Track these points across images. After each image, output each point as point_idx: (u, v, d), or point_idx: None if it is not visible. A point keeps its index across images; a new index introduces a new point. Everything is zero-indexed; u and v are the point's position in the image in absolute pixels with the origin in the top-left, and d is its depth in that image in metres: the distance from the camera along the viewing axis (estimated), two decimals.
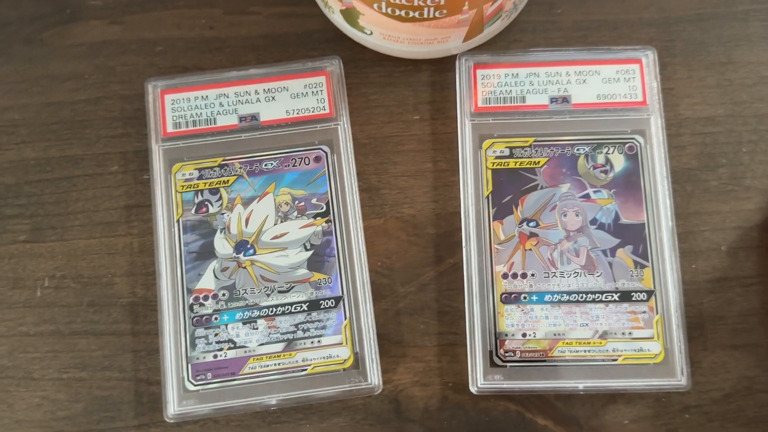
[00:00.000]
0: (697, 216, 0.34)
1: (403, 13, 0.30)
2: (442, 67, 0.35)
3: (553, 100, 0.34)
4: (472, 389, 0.32)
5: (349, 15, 0.33)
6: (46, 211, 0.34)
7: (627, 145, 0.34)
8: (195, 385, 0.32)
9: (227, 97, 0.34)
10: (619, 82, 0.34)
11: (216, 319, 0.32)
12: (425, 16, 0.30)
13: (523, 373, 0.32)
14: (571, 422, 0.32)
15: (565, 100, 0.34)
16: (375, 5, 0.30)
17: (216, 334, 0.32)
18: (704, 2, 0.36)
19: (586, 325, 0.32)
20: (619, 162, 0.33)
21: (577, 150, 0.34)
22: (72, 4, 0.37)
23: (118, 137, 0.35)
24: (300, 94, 0.34)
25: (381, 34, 0.33)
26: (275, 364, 0.32)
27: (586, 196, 0.33)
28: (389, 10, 0.30)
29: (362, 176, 0.34)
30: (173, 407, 0.31)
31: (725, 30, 0.36)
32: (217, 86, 0.34)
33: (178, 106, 0.34)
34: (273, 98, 0.34)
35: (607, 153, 0.34)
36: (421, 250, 0.34)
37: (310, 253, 0.33)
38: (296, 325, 0.32)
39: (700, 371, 0.32)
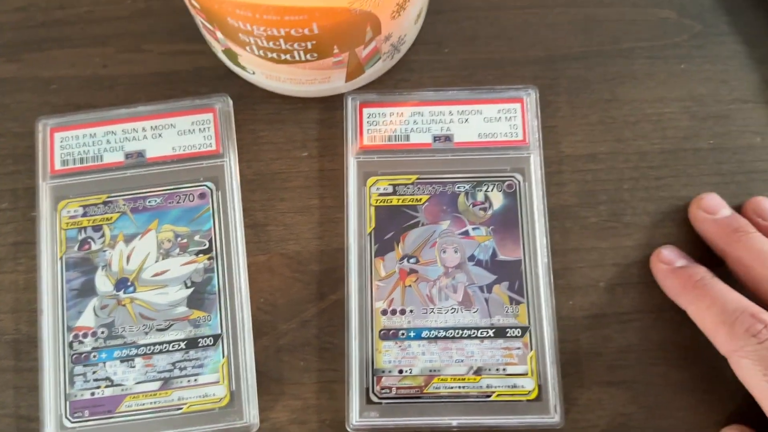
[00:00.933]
0: (575, 252, 0.34)
1: (275, 55, 0.31)
2: (331, 105, 0.36)
3: (436, 138, 0.35)
4: (348, 427, 0.32)
5: (230, 55, 0.33)
6: None
7: (506, 183, 0.34)
8: (72, 422, 0.32)
9: (114, 134, 0.35)
10: (500, 121, 0.35)
11: (95, 356, 0.32)
12: (297, 58, 0.31)
13: (398, 410, 0.32)
14: None
15: (448, 138, 0.35)
16: (247, 48, 0.31)
17: (94, 372, 0.32)
18: (589, 40, 0.37)
19: (462, 361, 0.32)
20: (498, 199, 0.34)
21: (458, 188, 0.34)
22: None
23: (9, 174, 0.35)
24: (187, 131, 0.35)
25: (263, 73, 0.33)
26: (151, 403, 0.32)
27: (465, 233, 0.34)
28: (261, 53, 0.31)
29: (248, 212, 0.35)
30: None
31: (609, 67, 0.36)
32: (105, 123, 0.35)
33: (67, 143, 0.35)
34: (160, 135, 0.35)
35: (486, 191, 0.34)
36: (305, 286, 0.34)
37: (190, 290, 0.33)
38: (173, 364, 0.32)
39: (576, 408, 0.33)
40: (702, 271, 0.31)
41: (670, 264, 0.32)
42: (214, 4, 0.28)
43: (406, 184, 0.34)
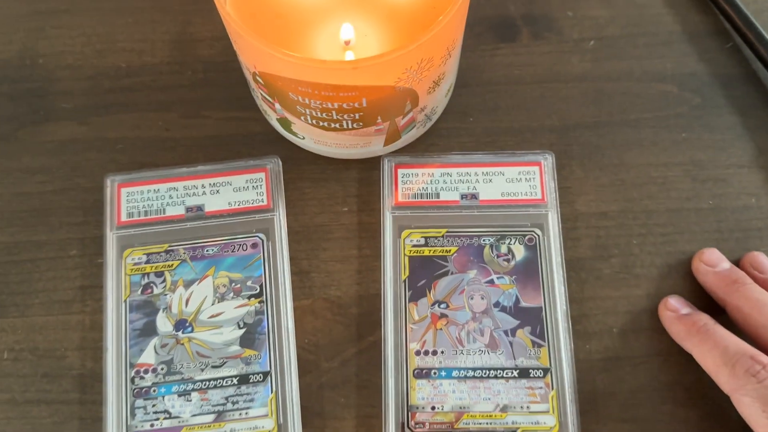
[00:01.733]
0: (591, 301, 0.38)
1: (326, 124, 0.35)
2: (369, 165, 0.40)
3: (463, 196, 0.39)
4: None
5: (284, 123, 0.38)
6: (10, 289, 0.38)
7: (527, 237, 0.38)
8: None
9: (176, 190, 0.39)
10: (521, 181, 0.39)
11: (154, 391, 0.36)
12: (345, 127, 0.35)
13: None
14: None
15: (474, 197, 0.39)
16: (302, 117, 0.35)
17: (154, 405, 0.36)
18: (599, 111, 0.41)
19: (489, 399, 0.35)
20: (519, 252, 0.38)
21: (483, 240, 0.38)
22: (45, 106, 0.42)
23: (79, 225, 0.39)
24: (242, 188, 0.39)
25: (312, 139, 0.38)
26: None
27: (491, 282, 0.37)
28: (314, 122, 0.35)
29: (294, 261, 0.39)
30: None
31: (618, 135, 0.41)
32: (168, 181, 0.39)
33: (132, 198, 0.39)
34: (217, 191, 0.39)
35: (509, 243, 0.38)
36: (345, 328, 0.37)
37: (242, 330, 0.37)
38: (226, 398, 0.36)
39: None
40: (705, 318, 0.35)
41: (676, 311, 0.36)
42: (278, 81, 0.32)
43: (436, 237, 0.38)
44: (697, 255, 0.37)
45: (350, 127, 0.35)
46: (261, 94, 0.36)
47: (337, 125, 0.35)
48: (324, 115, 0.34)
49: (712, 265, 0.37)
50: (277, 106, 0.35)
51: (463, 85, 0.41)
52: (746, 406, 0.31)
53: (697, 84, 0.42)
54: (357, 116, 0.34)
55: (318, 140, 0.38)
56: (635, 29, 0.43)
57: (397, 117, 0.36)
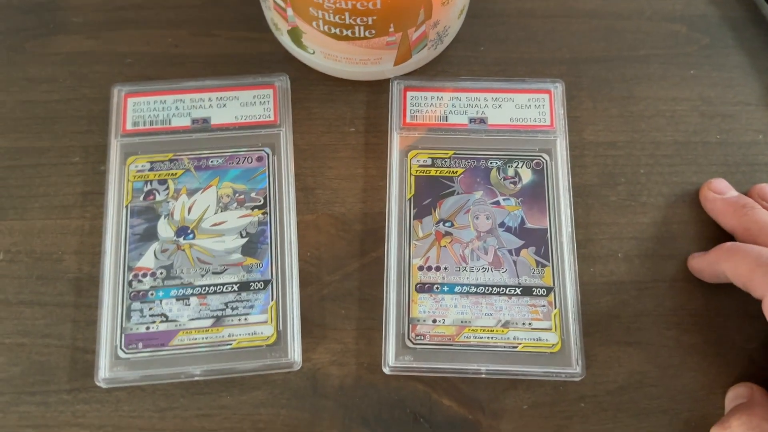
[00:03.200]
0: (596, 226, 0.37)
1: (338, 31, 0.35)
2: (377, 89, 0.40)
3: (471, 120, 0.39)
4: (385, 369, 0.34)
5: (295, 34, 0.37)
6: (9, 193, 0.38)
7: (534, 161, 0.38)
8: (126, 353, 0.34)
9: (183, 102, 0.39)
10: (530, 108, 0.39)
11: (152, 294, 0.35)
12: (357, 35, 0.35)
13: (431, 355, 0.34)
14: (474, 404, 0.34)
15: (482, 121, 0.39)
16: (314, 23, 0.35)
17: (150, 308, 0.35)
18: (609, 46, 0.41)
19: (491, 314, 0.35)
20: (527, 175, 0.37)
21: (491, 163, 0.38)
22: (55, 20, 0.41)
23: (83, 133, 0.39)
24: (249, 103, 0.39)
25: (322, 53, 0.38)
26: (203, 338, 0.34)
27: (497, 203, 0.37)
28: (326, 28, 0.35)
29: (299, 177, 0.38)
30: (104, 372, 0.34)
31: (627, 70, 0.41)
32: (175, 93, 0.39)
33: (139, 107, 0.38)
34: (224, 105, 0.39)
35: (516, 167, 0.38)
36: (348, 244, 0.37)
37: (245, 240, 0.36)
38: (226, 303, 0.35)
39: (596, 364, 0.35)
40: (750, 201, 0.35)
41: (721, 194, 0.36)
42: None
43: (443, 158, 0.38)
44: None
45: (362, 35, 0.35)
46: (273, 1, 0.36)
47: (350, 32, 0.35)
48: (337, 18, 0.34)
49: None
50: (289, 12, 0.35)
51: (474, 16, 0.41)
52: None
53: (706, 25, 0.42)
54: (370, 21, 0.34)
55: (328, 54, 0.37)
56: None
57: (410, 29, 0.36)
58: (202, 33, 0.41)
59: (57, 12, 0.42)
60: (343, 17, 0.34)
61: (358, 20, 0.34)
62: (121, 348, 0.34)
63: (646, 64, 0.41)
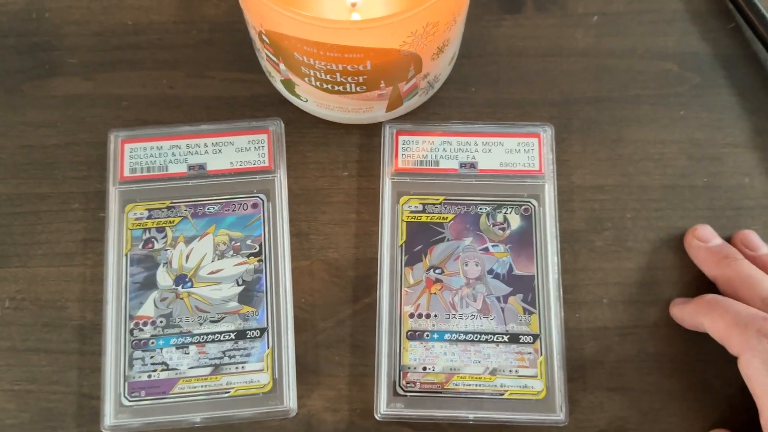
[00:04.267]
0: (582, 272, 0.38)
1: (329, 86, 0.36)
2: (370, 132, 0.40)
3: (462, 165, 0.39)
4: (376, 416, 0.36)
5: (288, 84, 0.38)
6: (13, 240, 0.39)
7: (523, 207, 0.39)
8: (130, 401, 0.36)
9: (179, 148, 0.39)
10: (519, 152, 0.39)
11: (153, 343, 0.37)
12: (348, 90, 0.36)
13: (421, 403, 0.36)
14: None
15: (473, 165, 0.39)
16: (306, 79, 0.36)
17: (152, 357, 0.36)
18: (600, 86, 0.42)
19: (479, 362, 0.36)
20: (515, 221, 0.38)
21: (480, 209, 0.39)
22: (51, 60, 0.42)
23: (82, 179, 0.40)
24: (244, 149, 0.39)
25: (315, 101, 0.38)
26: (202, 386, 0.36)
27: (486, 249, 0.38)
28: (318, 84, 0.36)
29: (294, 222, 0.39)
30: (109, 420, 0.35)
31: (618, 111, 0.41)
32: (171, 138, 0.39)
33: (136, 154, 0.39)
34: (220, 151, 0.39)
35: (505, 213, 0.39)
36: (341, 290, 0.38)
37: (241, 288, 0.37)
38: (224, 352, 0.36)
39: (579, 409, 0.37)
40: (733, 251, 0.36)
41: (705, 242, 0.37)
42: (284, 40, 0.33)
43: (434, 204, 0.39)
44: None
45: (354, 90, 0.36)
46: (266, 54, 0.36)
47: (341, 88, 0.35)
48: (328, 77, 0.34)
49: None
50: (282, 66, 0.36)
51: (466, 56, 0.42)
52: (753, 368, 0.31)
53: (698, 63, 0.42)
54: (361, 79, 0.35)
55: (321, 103, 0.38)
56: (639, 6, 0.43)
57: (400, 82, 0.36)
58: (197, 74, 0.42)
59: (53, 52, 0.42)
60: (334, 76, 0.34)
61: (348, 79, 0.35)
62: (124, 396, 0.36)
63: (637, 105, 0.41)
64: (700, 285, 0.38)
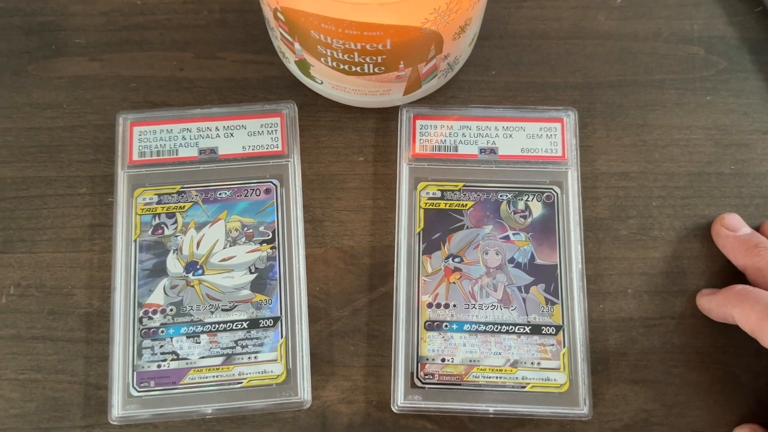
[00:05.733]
0: (606, 261, 0.37)
1: (346, 67, 0.34)
2: (386, 116, 0.39)
3: (482, 150, 0.38)
4: (393, 408, 0.34)
5: (303, 65, 0.37)
6: (18, 225, 0.38)
7: (545, 194, 0.37)
8: (138, 392, 0.35)
9: (190, 131, 0.38)
10: (541, 138, 0.38)
11: (162, 332, 0.35)
12: (366, 71, 0.34)
13: (440, 395, 0.35)
14: None
15: (493, 151, 0.38)
16: (322, 59, 0.34)
17: (161, 346, 0.35)
18: (624, 70, 0.40)
19: (500, 353, 0.35)
20: (537, 209, 0.37)
21: (501, 196, 0.37)
22: (58, 41, 0.41)
23: (89, 162, 0.39)
24: (256, 132, 0.38)
25: (330, 84, 0.37)
26: (214, 376, 0.35)
27: (506, 238, 0.37)
28: (334, 64, 0.34)
29: (308, 209, 0.38)
30: (117, 411, 0.34)
31: (642, 95, 0.40)
32: (181, 121, 0.38)
33: (145, 137, 0.38)
34: (231, 135, 0.38)
35: (527, 200, 0.37)
36: (357, 278, 0.37)
37: (254, 275, 0.36)
38: (236, 341, 0.35)
39: (602, 402, 0.35)
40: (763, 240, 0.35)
41: (734, 230, 0.36)
42: (300, 17, 0.31)
43: (453, 191, 0.38)
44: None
45: (371, 71, 0.34)
46: (281, 33, 0.35)
47: (359, 69, 0.34)
48: (346, 56, 0.33)
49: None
50: (297, 46, 0.34)
51: (485, 37, 0.40)
52: None
53: (724, 47, 0.41)
54: (379, 59, 0.33)
55: (336, 85, 0.37)
56: None
57: (420, 63, 0.35)
58: (208, 56, 0.40)
59: (59, 33, 0.41)
60: (351, 56, 0.33)
61: (367, 59, 0.33)
62: (133, 386, 0.35)
63: (662, 89, 0.40)
64: (728, 275, 0.36)
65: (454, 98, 0.40)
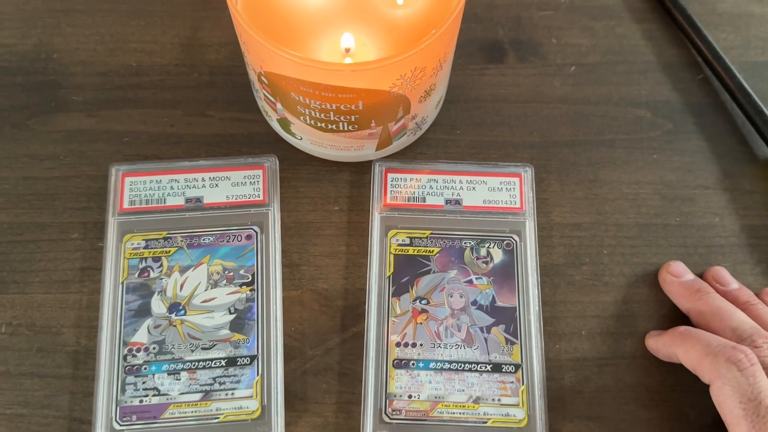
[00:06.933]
0: (562, 304, 0.40)
1: (323, 125, 0.38)
2: (361, 169, 0.43)
3: (447, 201, 0.41)
4: None
5: (284, 123, 0.40)
6: (11, 267, 0.40)
7: (505, 242, 0.40)
8: (121, 425, 0.36)
9: (177, 182, 0.41)
10: (502, 191, 0.41)
11: (145, 369, 0.37)
12: (341, 128, 0.38)
13: (406, 430, 0.37)
14: None
15: (458, 202, 0.41)
16: (301, 117, 0.38)
17: (144, 382, 0.37)
18: (577, 131, 0.44)
19: (463, 390, 0.38)
20: (498, 255, 0.40)
21: (465, 243, 0.40)
22: (57, 98, 0.44)
23: (82, 210, 0.41)
24: (240, 183, 0.41)
25: (309, 139, 0.40)
26: (192, 412, 0.37)
27: (470, 282, 0.40)
28: (312, 122, 0.38)
29: (286, 254, 0.41)
30: None
31: (594, 154, 0.44)
32: (170, 173, 0.41)
33: (135, 187, 0.41)
34: (216, 185, 0.41)
35: (488, 247, 0.40)
36: (330, 319, 0.40)
37: (233, 316, 0.39)
38: (214, 378, 0.37)
39: None
40: (705, 285, 0.38)
41: (678, 277, 0.39)
42: (282, 81, 0.35)
43: (421, 238, 0.41)
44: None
45: (346, 129, 0.38)
46: (264, 95, 0.39)
47: (334, 126, 0.38)
48: (322, 115, 0.37)
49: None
50: (279, 106, 0.38)
51: (452, 101, 0.44)
52: (724, 395, 0.33)
53: (669, 111, 0.45)
54: (353, 118, 0.37)
55: (315, 141, 0.40)
56: (614, 57, 0.46)
57: (390, 122, 0.38)
58: (197, 113, 0.44)
59: (58, 90, 0.44)
60: (327, 115, 0.37)
61: (341, 118, 0.37)
62: (116, 420, 0.37)
63: (612, 148, 0.44)
64: (674, 318, 0.39)
65: (423, 154, 0.43)
